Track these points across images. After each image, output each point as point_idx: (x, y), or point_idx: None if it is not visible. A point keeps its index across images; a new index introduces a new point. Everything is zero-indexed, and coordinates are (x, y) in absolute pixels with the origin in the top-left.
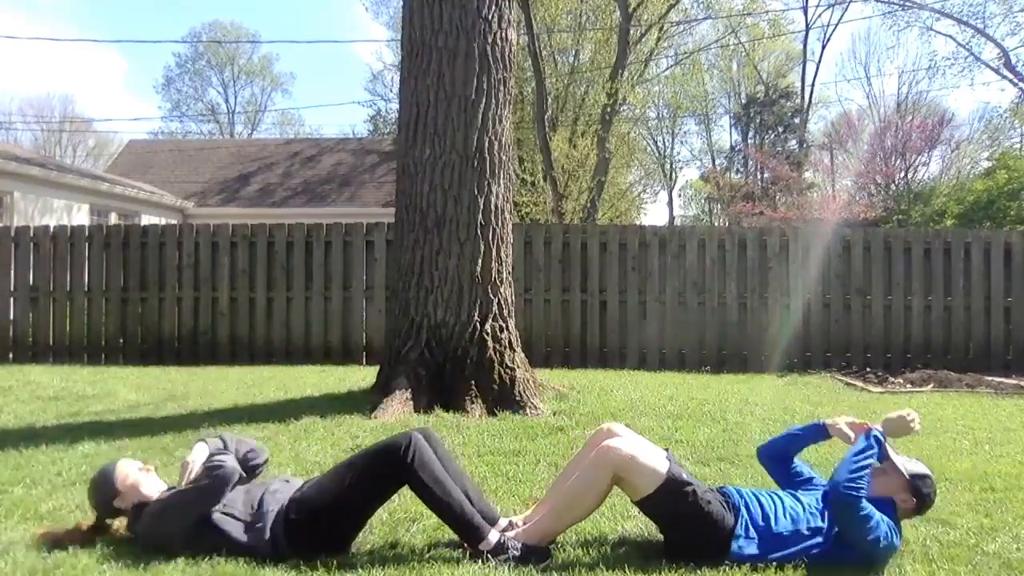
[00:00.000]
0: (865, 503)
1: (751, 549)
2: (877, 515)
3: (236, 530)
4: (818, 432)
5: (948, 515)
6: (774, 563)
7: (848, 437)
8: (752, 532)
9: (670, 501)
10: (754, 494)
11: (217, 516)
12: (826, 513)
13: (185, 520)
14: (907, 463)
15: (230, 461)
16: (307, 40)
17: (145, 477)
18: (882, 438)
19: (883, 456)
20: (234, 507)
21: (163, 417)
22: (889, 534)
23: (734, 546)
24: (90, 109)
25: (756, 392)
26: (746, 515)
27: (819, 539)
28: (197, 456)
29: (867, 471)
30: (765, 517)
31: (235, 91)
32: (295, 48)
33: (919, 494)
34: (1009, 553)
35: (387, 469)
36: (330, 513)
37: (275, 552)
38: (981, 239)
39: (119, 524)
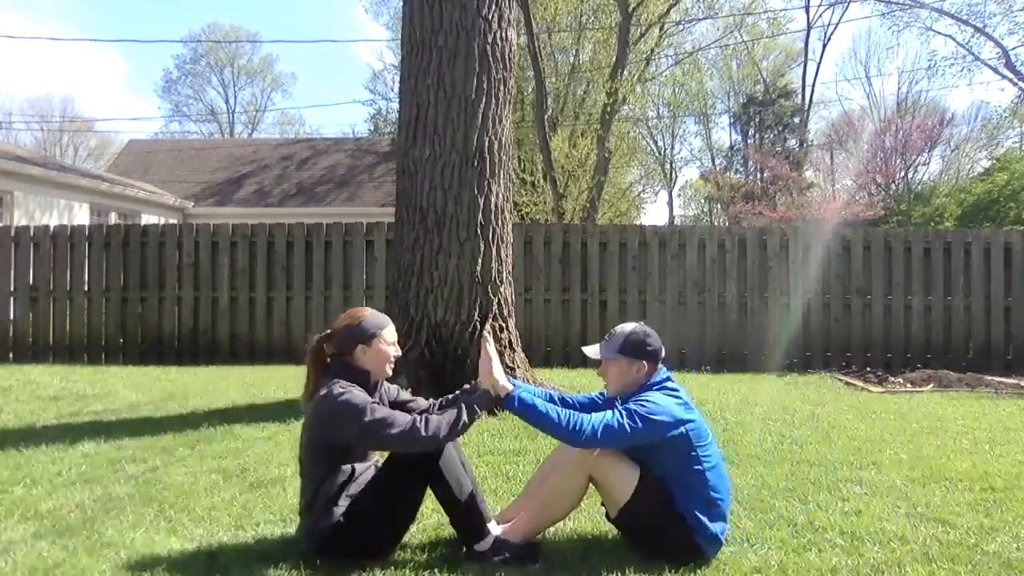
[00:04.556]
0: (591, 436)
1: (689, 511)
2: (613, 417)
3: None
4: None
5: (948, 515)
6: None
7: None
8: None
9: (648, 503)
10: None
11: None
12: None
13: (364, 435)
14: (609, 341)
15: (443, 436)
16: (307, 40)
17: (392, 363)
18: (515, 394)
19: (605, 358)
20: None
21: (163, 417)
22: (638, 413)
23: (692, 529)
24: (90, 109)
25: (756, 392)
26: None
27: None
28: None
29: (551, 427)
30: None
31: (235, 92)
32: (295, 48)
33: (639, 352)
34: (1009, 553)
35: (413, 460)
36: (369, 515)
37: (319, 549)
38: (981, 239)
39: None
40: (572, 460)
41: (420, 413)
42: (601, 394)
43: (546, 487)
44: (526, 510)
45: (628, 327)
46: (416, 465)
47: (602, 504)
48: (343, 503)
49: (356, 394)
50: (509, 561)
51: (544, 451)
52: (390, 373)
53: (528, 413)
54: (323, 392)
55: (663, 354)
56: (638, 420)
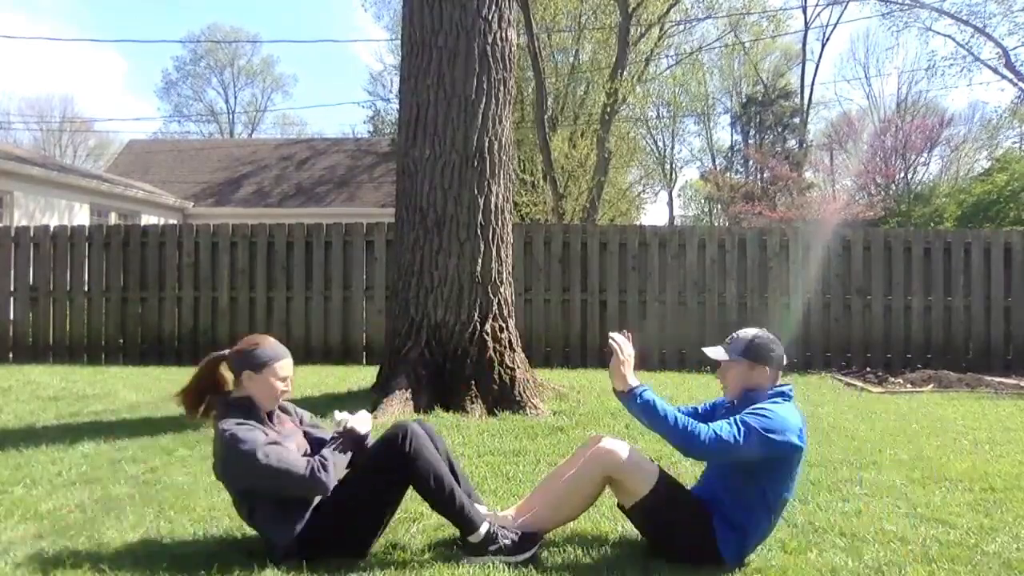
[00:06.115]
0: (703, 445)
1: (728, 535)
2: (728, 430)
3: (291, 523)
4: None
5: (948, 515)
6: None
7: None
8: (725, 524)
9: (663, 503)
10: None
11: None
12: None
13: (259, 482)
14: (732, 344)
15: (334, 480)
16: (307, 40)
17: (278, 399)
18: (637, 390)
19: (725, 360)
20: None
21: (163, 417)
22: (755, 429)
23: (720, 545)
24: (90, 109)
25: None
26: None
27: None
28: (362, 422)
29: (666, 428)
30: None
31: (235, 92)
32: (295, 49)
33: (761, 357)
34: (1009, 553)
35: (388, 462)
36: (343, 517)
37: (296, 554)
38: (981, 239)
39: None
40: (593, 460)
41: (318, 446)
42: (710, 404)
43: (564, 483)
44: (541, 506)
45: (751, 331)
46: (391, 460)
47: (619, 505)
48: (296, 515)
49: (246, 436)
50: (504, 550)
51: (544, 451)
52: (275, 407)
53: (647, 410)
54: (217, 432)
55: (785, 362)
56: (753, 437)
